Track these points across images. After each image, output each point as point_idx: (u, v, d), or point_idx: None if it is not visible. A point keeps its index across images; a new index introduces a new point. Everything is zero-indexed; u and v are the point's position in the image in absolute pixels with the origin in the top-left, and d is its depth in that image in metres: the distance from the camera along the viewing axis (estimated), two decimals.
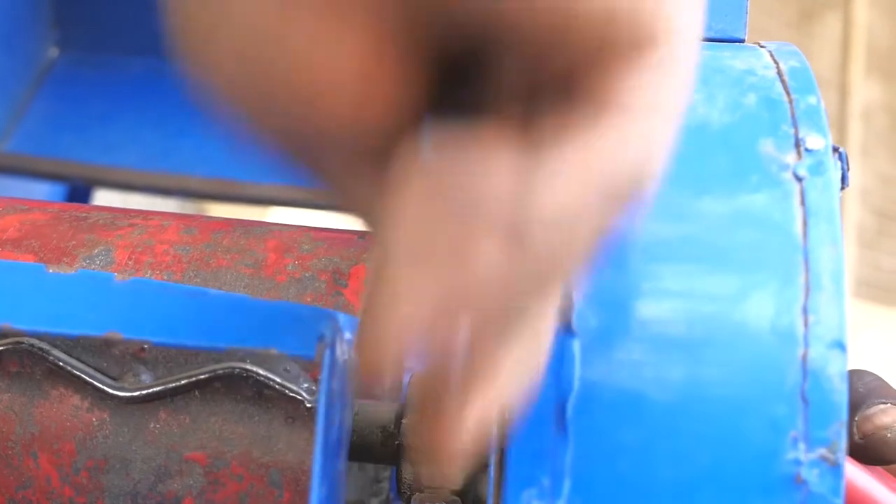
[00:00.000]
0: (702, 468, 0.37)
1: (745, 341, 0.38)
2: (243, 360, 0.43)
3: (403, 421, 0.48)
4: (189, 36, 0.29)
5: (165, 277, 0.47)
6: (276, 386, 0.43)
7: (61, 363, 0.44)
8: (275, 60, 0.28)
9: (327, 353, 0.41)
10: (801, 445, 0.37)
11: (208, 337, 0.44)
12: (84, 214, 0.50)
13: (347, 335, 0.44)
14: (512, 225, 0.28)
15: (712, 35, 0.50)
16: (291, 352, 0.43)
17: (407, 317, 0.28)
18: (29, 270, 0.47)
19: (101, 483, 0.45)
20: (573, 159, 0.29)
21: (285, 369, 0.43)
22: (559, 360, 0.38)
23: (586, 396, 0.38)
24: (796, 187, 0.40)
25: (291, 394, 0.43)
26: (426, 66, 0.29)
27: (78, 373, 0.44)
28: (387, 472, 0.58)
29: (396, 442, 0.48)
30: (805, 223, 0.39)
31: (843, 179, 0.43)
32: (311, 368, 0.43)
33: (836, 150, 0.42)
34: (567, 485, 0.38)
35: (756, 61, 0.45)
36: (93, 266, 0.47)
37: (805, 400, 0.37)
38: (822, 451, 0.37)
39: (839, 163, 0.43)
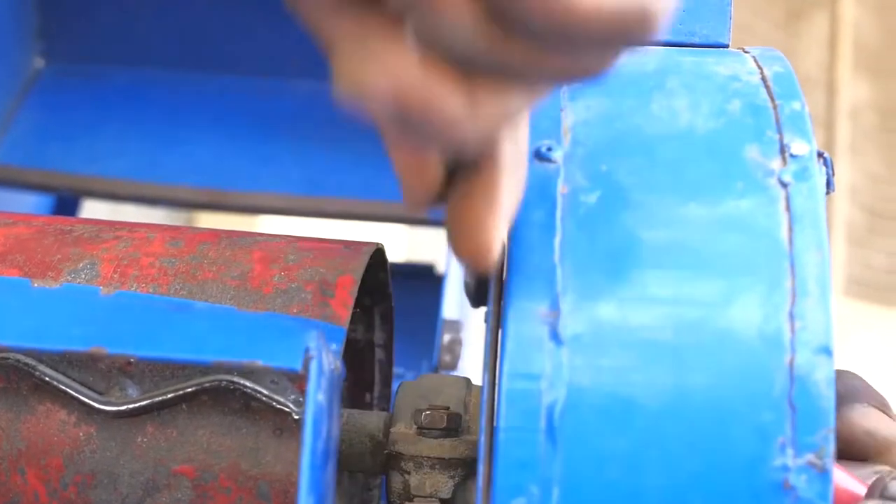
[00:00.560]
0: (690, 475, 0.37)
1: (732, 347, 0.38)
2: (230, 373, 0.43)
3: (392, 429, 0.48)
4: None
5: (151, 290, 0.47)
6: (264, 398, 0.43)
7: (48, 378, 0.44)
8: None
9: (314, 364, 0.41)
10: (789, 451, 0.37)
11: (194, 350, 0.44)
12: (69, 228, 0.50)
13: (334, 346, 0.44)
14: None
15: (696, 41, 0.50)
16: (278, 364, 0.43)
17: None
18: (14, 285, 0.47)
19: (88, 498, 0.45)
20: None
21: (272, 381, 0.43)
22: (547, 367, 0.38)
23: (574, 404, 0.38)
24: (781, 193, 0.40)
25: (279, 406, 0.43)
26: None
27: (64, 388, 0.44)
28: (377, 481, 0.58)
29: (385, 451, 0.48)
30: (790, 229, 0.39)
31: (829, 184, 0.43)
32: (297, 380, 0.43)
33: (820, 155, 0.42)
34: (556, 493, 0.38)
35: (740, 67, 0.45)
36: (78, 280, 0.47)
37: (792, 406, 0.37)
38: (810, 456, 0.37)
39: (824, 168, 0.43)
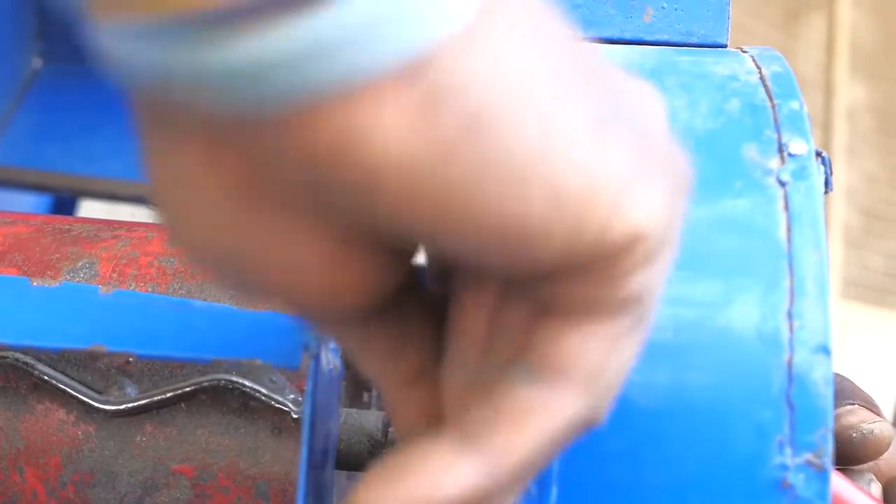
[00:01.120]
0: (689, 474, 0.37)
1: (731, 346, 0.38)
2: (229, 372, 0.43)
3: (390, 429, 0.48)
4: (166, 218, 0.29)
5: (150, 289, 0.47)
6: (262, 397, 0.43)
7: (46, 377, 0.44)
8: (239, 257, 0.28)
9: (313, 363, 0.41)
10: (788, 450, 0.37)
11: (193, 348, 0.44)
12: (67, 227, 0.50)
13: (332, 345, 0.44)
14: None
15: (695, 40, 0.50)
16: (277, 362, 0.43)
17: None
18: (12, 284, 0.47)
19: (87, 497, 0.45)
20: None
21: (271, 380, 0.43)
22: None
23: None
24: (780, 192, 0.40)
25: (277, 405, 0.43)
26: (395, 255, 0.29)
27: (63, 387, 0.44)
28: None
29: (384, 451, 0.48)
30: (789, 228, 0.39)
31: (827, 184, 0.43)
32: (296, 379, 0.43)
33: (819, 154, 0.42)
34: (554, 492, 0.38)
35: (739, 66, 0.45)
36: (77, 279, 0.47)
37: (791, 405, 0.37)
38: (809, 455, 0.37)
39: (822, 167, 0.43)
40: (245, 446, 0.44)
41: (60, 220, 0.52)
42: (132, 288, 0.47)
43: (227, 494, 0.44)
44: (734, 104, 0.42)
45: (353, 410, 0.50)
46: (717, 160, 0.41)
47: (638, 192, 0.28)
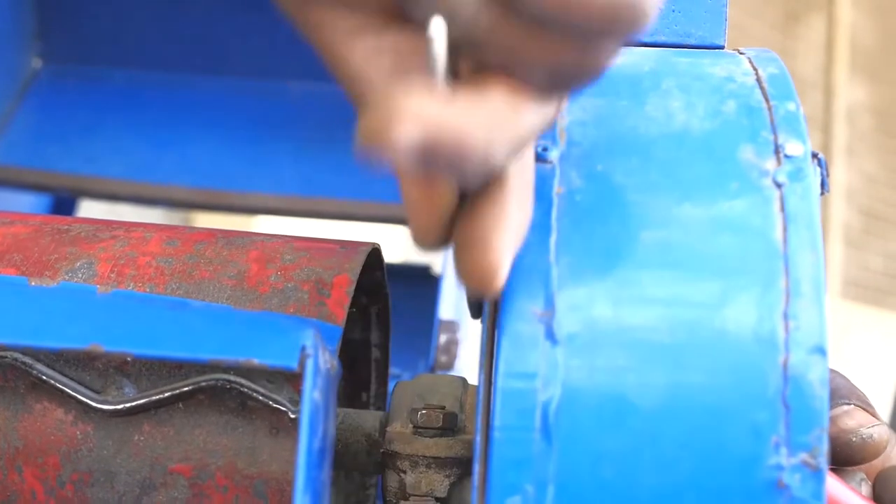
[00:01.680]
0: (685, 474, 0.37)
1: (727, 347, 0.38)
2: (227, 372, 0.43)
3: (388, 429, 0.48)
4: None
5: (148, 290, 0.47)
6: (260, 397, 0.43)
7: (45, 377, 0.44)
8: None
9: (310, 363, 0.41)
10: (783, 450, 0.37)
11: (191, 348, 0.44)
12: (66, 227, 0.50)
13: (330, 345, 0.44)
14: None
15: (692, 42, 0.50)
16: (274, 363, 0.43)
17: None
18: (11, 284, 0.47)
19: (86, 496, 0.45)
20: None
21: (268, 380, 0.43)
22: (542, 366, 0.39)
23: (569, 403, 0.38)
24: (776, 193, 0.40)
25: (275, 405, 0.43)
26: None
27: (61, 386, 0.44)
28: (373, 480, 0.58)
29: (381, 450, 0.48)
30: (785, 229, 0.39)
31: (823, 185, 0.44)
32: (294, 379, 0.43)
33: (815, 155, 0.42)
34: (551, 492, 0.38)
35: (735, 68, 0.45)
36: (75, 279, 0.47)
37: (786, 405, 0.37)
38: (804, 455, 0.37)
39: (818, 168, 0.43)
40: (243, 446, 0.44)
41: (59, 221, 0.52)
42: (130, 288, 0.47)
43: (225, 494, 0.45)
44: (731, 106, 0.43)
45: (351, 410, 0.51)
46: (713, 161, 0.41)
47: None
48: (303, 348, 0.42)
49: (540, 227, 0.40)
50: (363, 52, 0.37)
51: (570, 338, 0.39)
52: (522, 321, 0.39)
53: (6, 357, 0.44)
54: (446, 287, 0.97)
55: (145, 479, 0.45)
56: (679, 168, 0.41)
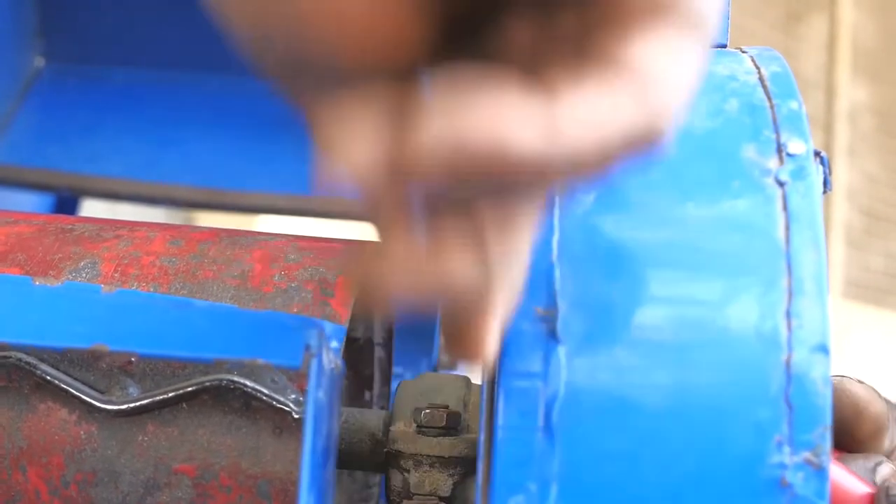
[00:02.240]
0: (688, 472, 0.37)
1: (730, 346, 0.38)
2: (230, 372, 0.43)
3: (392, 428, 0.48)
4: None
5: (152, 289, 0.47)
6: (264, 397, 0.43)
7: (49, 377, 0.44)
8: None
9: (314, 362, 0.41)
10: (786, 449, 0.37)
11: (195, 348, 0.44)
12: (70, 226, 0.50)
13: (334, 344, 0.44)
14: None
15: None
16: (278, 362, 0.43)
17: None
18: (15, 283, 0.47)
19: (90, 496, 0.45)
20: (579, 113, 0.29)
21: (272, 380, 0.43)
22: (545, 365, 0.39)
23: (572, 402, 0.38)
24: (778, 192, 0.40)
25: (279, 405, 0.43)
26: (435, 6, 0.29)
27: (65, 387, 0.44)
28: (377, 479, 0.58)
29: (385, 449, 0.48)
30: (787, 228, 0.39)
31: (825, 183, 0.44)
32: (297, 379, 0.43)
33: (817, 154, 0.42)
34: (554, 490, 0.38)
35: (738, 67, 0.45)
36: (79, 278, 0.47)
37: (789, 404, 0.37)
38: (807, 454, 0.37)
39: (821, 167, 0.43)
40: (247, 446, 0.44)
41: (63, 220, 0.52)
42: (134, 288, 0.47)
43: (229, 494, 0.45)
44: (733, 104, 0.43)
45: (355, 409, 0.51)
46: (716, 160, 0.41)
47: None
48: (307, 348, 0.42)
49: (542, 227, 0.40)
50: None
51: (573, 337, 0.39)
52: (525, 320, 0.39)
53: (10, 357, 0.44)
54: None
55: (149, 480, 0.45)
56: (681, 167, 0.41)
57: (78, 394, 0.44)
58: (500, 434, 0.38)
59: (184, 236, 0.50)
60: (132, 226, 0.51)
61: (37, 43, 0.97)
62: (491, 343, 0.35)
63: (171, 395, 0.44)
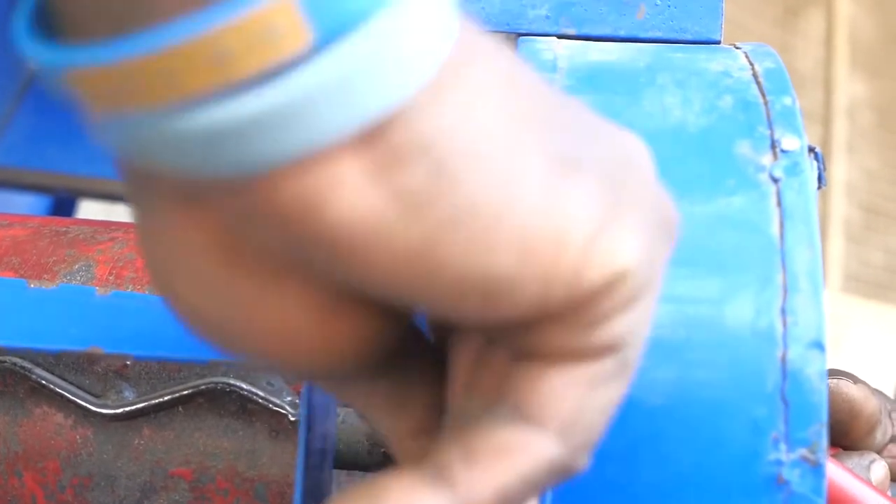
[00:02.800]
0: (684, 470, 0.37)
1: (725, 343, 0.38)
2: (226, 375, 0.43)
3: None
4: (156, 283, 0.29)
5: (147, 291, 0.47)
6: (260, 400, 0.43)
7: (44, 381, 0.44)
8: (228, 319, 0.28)
9: None
10: (783, 446, 0.37)
11: (191, 349, 0.44)
12: (64, 229, 0.50)
13: None
14: None
15: (688, 37, 0.50)
16: None
17: None
18: (9, 286, 0.47)
19: (86, 500, 0.45)
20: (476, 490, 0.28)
21: (268, 383, 0.43)
22: None
23: None
24: (773, 188, 0.40)
25: (275, 408, 0.43)
26: (388, 309, 0.29)
27: (61, 390, 0.44)
28: None
29: (382, 450, 0.48)
30: (782, 224, 0.39)
31: (820, 179, 0.43)
32: (293, 381, 0.43)
33: (811, 150, 0.42)
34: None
35: (732, 63, 0.45)
36: (74, 281, 0.47)
37: (785, 401, 0.37)
38: (803, 451, 0.37)
39: (815, 163, 0.43)
40: (243, 449, 0.44)
41: (57, 223, 0.52)
42: (129, 290, 0.47)
43: (226, 497, 0.45)
44: (727, 101, 0.42)
45: (352, 410, 0.51)
46: (709, 157, 0.41)
47: (612, 234, 0.27)
48: None
49: None
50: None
51: None
52: None
53: (5, 362, 0.44)
54: None
55: (146, 483, 0.45)
56: (675, 164, 0.41)
57: (73, 398, 0.44)
58: None
59: None
60: (127, 228, 0.51)
61: None
62: None
63: (166, 398, 0.44)
